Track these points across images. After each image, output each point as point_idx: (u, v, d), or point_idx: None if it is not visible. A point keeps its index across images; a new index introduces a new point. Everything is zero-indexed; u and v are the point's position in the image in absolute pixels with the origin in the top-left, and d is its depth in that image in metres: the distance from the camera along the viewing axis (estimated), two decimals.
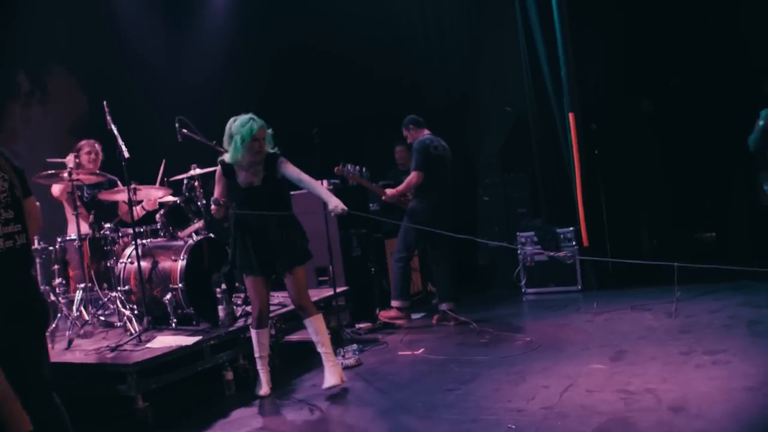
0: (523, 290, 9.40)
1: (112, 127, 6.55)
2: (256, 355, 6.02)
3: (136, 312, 6.59)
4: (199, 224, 7.04)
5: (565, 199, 9.40)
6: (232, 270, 6.31)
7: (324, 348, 5.98)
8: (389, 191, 8.21)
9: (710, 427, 4.38)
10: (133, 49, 10.56)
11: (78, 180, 6.83)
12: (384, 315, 8.21)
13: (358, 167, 8.03)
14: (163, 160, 7.59)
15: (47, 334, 5.37)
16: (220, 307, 6.55)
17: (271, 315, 6.37)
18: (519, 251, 9.38)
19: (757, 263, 7.33)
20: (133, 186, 6.70)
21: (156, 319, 6.54)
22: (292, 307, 7.05)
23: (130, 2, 10.73)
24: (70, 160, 7.02)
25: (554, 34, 9.19)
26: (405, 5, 10.75)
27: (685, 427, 4.41)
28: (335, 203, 5.69)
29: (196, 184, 7.15)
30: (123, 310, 6.60)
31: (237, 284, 7.11)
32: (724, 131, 8.90)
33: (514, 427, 4.70)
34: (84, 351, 6.05)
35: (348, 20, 10.57)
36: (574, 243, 9.14)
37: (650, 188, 10.09)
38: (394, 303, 8.15)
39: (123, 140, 6.47)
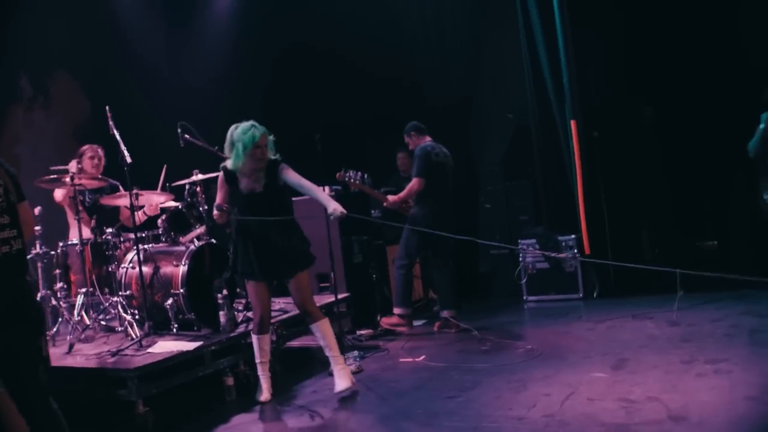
0: (524, 298, 9.39)
1: (115, 132, 6.57)
2: (257, 360, 6.01)
3: (137, 317, 6.58)
4: (200, 230, 7.04)
5: (566, 207, 9.39)
6: (233, 276, 6.32)
7: (332, 352, 6.02)
8: (391, 198, 8.21)
9: None
10: (134, 53, 10.60)
11: (80, 185, 6.84)
12: (386, 322, 8.19)
13: (359, 173, 8.02)
14: (164, 166, 7.60)
15: (48, 338, 5.39)
16: (221, 313, 6.56)
17: (273, 321, 6.38)
18: (520, 256, 9.37)
19: (759, 272, 7.31)
20: (135, 191, 6.70)
21: (157, 324, 6.53)
22: (293, 313, 7.09)
23: (131, 5, 10.78)
24: (72, 166, 7.02)
25: (556, 41, 9.20)
26: (406, 7, 10.75)
27: None
28: (334, 207, 5.70)
29: (198, 189, 7.16)
30: (124, 314, 6.60)
31: (238, 290, 7.11)
32: (726, 139, 8.88)
33: None
34: (85, 355, 6.05)
35: (349, 22, 10.59)
36: (575, 251, 9.12)
37: (652, 196, 10.08)
38: (396, 310, 8.14)
39: (125, 145, 6.49)
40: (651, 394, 5.13)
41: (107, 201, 7.29)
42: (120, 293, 6.73)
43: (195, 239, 6.93)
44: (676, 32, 9.34)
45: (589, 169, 9.17)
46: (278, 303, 7.35)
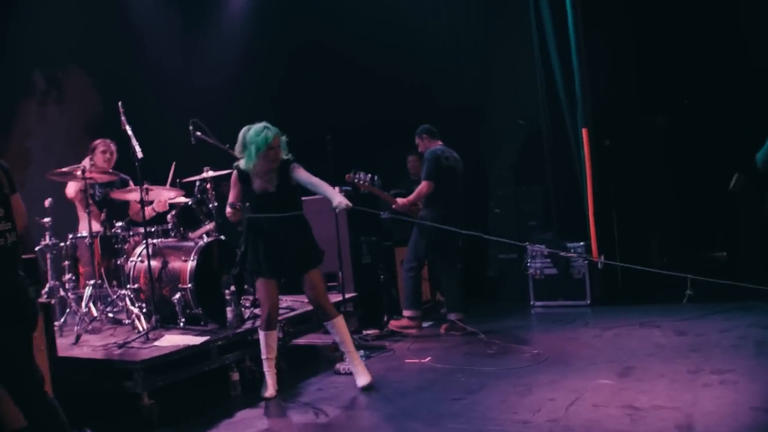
0: (531, 303, 9.38)
1: (127, 127, 6.59)
2: (263, 356, 6.03)
3: (144, 310, 6.60)
4: (210, 226, 7.06)
5: (576, 214, 9.38)
6: (241, 272, 6.34)
7: (348, 347, 6.13)
8: (400, 200, 8.20)
9: None
10: (148, 50, 10.62)
11: (91, 178, 6.86)
12: (395, 324, 8.19)
13: (369, 175, 8.03)
14: (173, 163, 7.63)
15: (55, 328, 5.41)
16: (228, 309, 6.56)
17: (279, 318, 6.38)
18: (527, 253, 9.36)
19: None
20: (145, 186, 6.72)
21: (164, 318, 6.54)
22: (300, 310, 7.13)
23: (146, 4, 10.80)
24: (86, 163, 7.05)
25: (569, 49, 9.20)
26: (420, 11, 10.77)
27: None
28: (339, 200, 5.76)
29: (208, 186, 7.18)
30: (131, 307, 6.62)
31: (246, 286, 7.12)
32: (737, 149, 8.86)
33: None
34: (92, 347, 6.08)
35: (362, 24, 10.62)
36: (584, 258, 9.11)
37: (662, 206, 10.07)
38: (406, 313, 8.14)
39: (136, 140, 6.51)
40: (657, 403, 5.12)
41: (117, 195, 7.32)
42: (128, 286, 6.76)
43: (204, 235, 6.95)
44: (688, 43, 9.35)
45: (599, 176, 9.17)
46: (285, 301, 7.37)
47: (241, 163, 5.95)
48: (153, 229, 7.10)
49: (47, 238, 6.85)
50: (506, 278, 10.01)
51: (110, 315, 6.89)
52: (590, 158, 9.08)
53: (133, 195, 7.23)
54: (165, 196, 7.45)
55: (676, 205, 10.18)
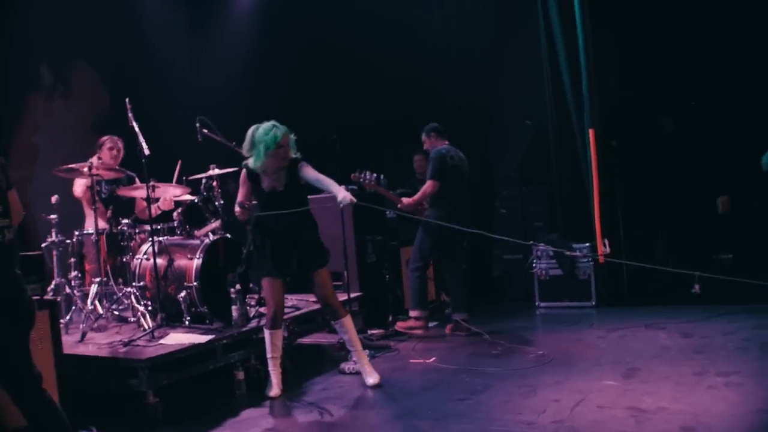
0: (536, 304, 9.37)
1: (134, 124, 6.60)
2: (269, 355, 6.04)
3: (150, 308, 6.61)
4: (215, 224, 7.07)
5: (582, 215, 9.36)
6: (246, 270, 6.35)
7: (356, 346, 6.18)
8: (405, 200, 8.19)
9: None
10: (155, 47, 10.64)
11: (97, 175, 6.87)
12: (401, 325, 8.18)
13: (375, 175, 8.02)
14: (179, 161, 7.64)
15: (61, 325, 5.42)
16: (233, 307, 6.57)
17: (285, 317, 6.39)
18: (533, 251, 9.37)
19: None
20: (151, 183, 6.73)
21: (170, 316, 6.56)
22: (305, 310, 7.14)
23: (154, 1, 10.81)
24: (94, 161, 7.06)
25: (577, 48, 9.18)
26: (427, 10, 10.75)
27: None
28: (343, 195, 5.78)
29: (214, 184, 7.18)
30: (137, 305, 6.64)
31: (251, 285, 7.12)
32: (744, 150, 8.85)
33: None
34: (97, 344, 6.08)
35: (368, 23, 10.63)
36: (589, 259, 9.10)
37: (668, 207, 10.05)
38: (413, 313, 8.13)
39: (143, 137, 6.52)
40: (661, 404, 5.11)
41: (124, 192, 7.33)
42: (134, 284, 6.77)
43: (210, 233, 6.96)
44: (695, 44, 9.33)
45: (605, 177, 9.14)
46: (291, 300, 7.38)
47: (250, 162, 5.96)
48: (159, 227, 7.11)
49: (53, 234, 6.86)
50: (511, 279, 10.00)
51: (116, 312, 6.90)
52: (597, 159, 9.05)
53: (139, 192, 7.24)
54: (171, 193, 7.45)
55: (683, 206, 10.15)
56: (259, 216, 5.98)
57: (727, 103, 9.36)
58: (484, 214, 10.06)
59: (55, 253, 6.87)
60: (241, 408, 5.79)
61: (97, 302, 6.79)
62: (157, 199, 7.45)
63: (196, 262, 6.60)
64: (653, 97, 9.80)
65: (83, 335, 6.29)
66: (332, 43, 10.81)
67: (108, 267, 6.97)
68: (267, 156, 5.82)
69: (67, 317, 6.71)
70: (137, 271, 6.82)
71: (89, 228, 7.08)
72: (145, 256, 6.82)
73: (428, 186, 7.97)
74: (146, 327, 6.31)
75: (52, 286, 6.77)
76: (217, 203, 7.13)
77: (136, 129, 6.56)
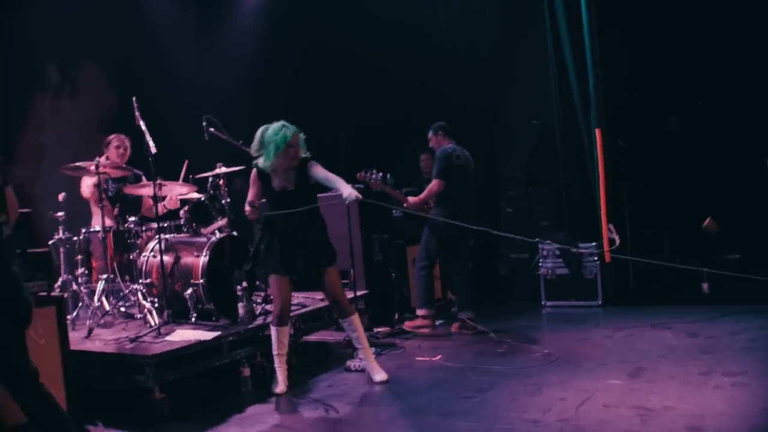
0: (542, 303, 9.38)
1: (141, 122, 6.60)
2: (275, 352, 6.05)
3: (156, 305, 6.63)
4: (222, 222, 7.08)
5: (588, 215, 9.36)
6: (253, 268, 6.36)
7: (363, 343, 6.20)
8: (411, 199, 8.20)
9: None
10: (162, 47, 10.66)
11: (105, 173, 6.88)
12: (408, 325, 8.19)
13: (381, 174, 8.03)
14: (186, 161, 7.65)
15: (68, 322, 5.43)
16: (240, 305, 6.58)
17: (291, 315, 6.40)
18: (539, 250, 9.37)
19: None
20: (158, 181, 6.74)
21: (176, 313, 6.59)
22: (312, 307, 7.15)
23: (161, 1, 10.83)
24: (100, 159, 7.08)
25: (583, 48, 9.18)
26: (433, 9, 10.76)
27: None
28: (349, 191, 5.80)
29: (221, 182, 7.19)
30: (144, 302, 6.66)
31: (257, 282, 7.14)
32: (751, 152, 8.83)
33: None
34: (104, 341, 6.10)
35: (374, 23, 10.63)
36: (596, 258, 9.09)
37: (675, 207, 10.03)
38: (419, 311, 8.14)
39: (149, 136, 6.53)
40: (667, 404, 5.10)
41: (130, 190, 7.34)
42: (140, 281, 6.79)
43: (216, 231, 6.97)
44: (702, 44, 9.31)
45: (612, 177, 9.14)
46: (297, 297, 7.39)
47: (260, 162, 5.98)
48: (166, 225, 7.13)
49: (60, 232, 6.89)
50: (518, 278, 10.01)
51: (122, 309, 6.92)
52: (603, 158, 9.05)
53: (146, 190, 7.25)
54: (177, 191, 7.47)
55: (689, 206, 10.13)
56: (269, 215, 6.00)
57: (733, 103, 9.34)
58: (490, 214, 10.06)
59: (62, 250, 6.89)
60: (247, 404, 5.79)
61: (103, 299, 6.80)
62: (164, 198, 7.47)
63: (203, 259, 6.61)
64: (660, 96, 9.78)
65: (90, 331, 6.31)
66: (339, 43, 10.82)
67: (115, 264, 6.99)
68: (277, 156, 5.85)
69: (74, 314, 6.72)
70: (144, 268, 6.84)
71: (96, 225, 7.10)
72: (152, 254, 6.84)
73: (434, 185, 7.97)
74: (153, 323, 6.33)
75: (59, 282, 6.79)
76: (223, 201, 7.14)
77: (143, 127, 6.56)
